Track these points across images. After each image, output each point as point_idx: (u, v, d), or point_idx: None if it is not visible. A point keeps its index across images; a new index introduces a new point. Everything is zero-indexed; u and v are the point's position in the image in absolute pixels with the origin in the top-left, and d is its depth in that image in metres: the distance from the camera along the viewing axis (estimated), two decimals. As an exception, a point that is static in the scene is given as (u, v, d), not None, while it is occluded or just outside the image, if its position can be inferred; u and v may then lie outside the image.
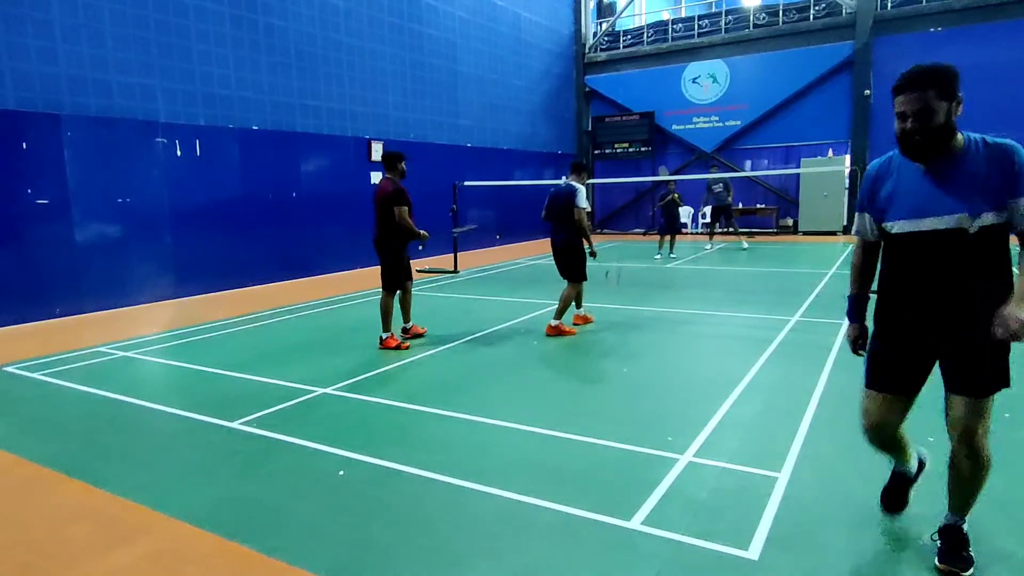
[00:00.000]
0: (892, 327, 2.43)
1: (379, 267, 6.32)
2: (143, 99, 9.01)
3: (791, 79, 17.07)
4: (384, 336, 6.18)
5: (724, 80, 18.03)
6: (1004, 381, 2.31)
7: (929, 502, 2.79)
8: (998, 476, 3.14)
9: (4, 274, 7.67)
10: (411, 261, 6.48)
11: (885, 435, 2.56)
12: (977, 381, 2.29)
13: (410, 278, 6.44)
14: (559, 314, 6.53)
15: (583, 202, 6.50)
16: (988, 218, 2.17)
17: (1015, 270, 2.27)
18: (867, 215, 2.48)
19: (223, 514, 3.02)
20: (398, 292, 6.37)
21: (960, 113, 2.23)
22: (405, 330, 6.52)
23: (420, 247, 6.13)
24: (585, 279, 6.69)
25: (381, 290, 6.31)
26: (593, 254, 6.77)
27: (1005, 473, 3.19)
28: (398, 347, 6.12)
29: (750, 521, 2.79)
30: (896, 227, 2.34)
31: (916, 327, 2.36)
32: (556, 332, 6.47)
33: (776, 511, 2.87)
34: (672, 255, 13.12)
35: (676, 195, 12.88)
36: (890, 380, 2.47)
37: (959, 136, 2.23)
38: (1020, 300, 2.12)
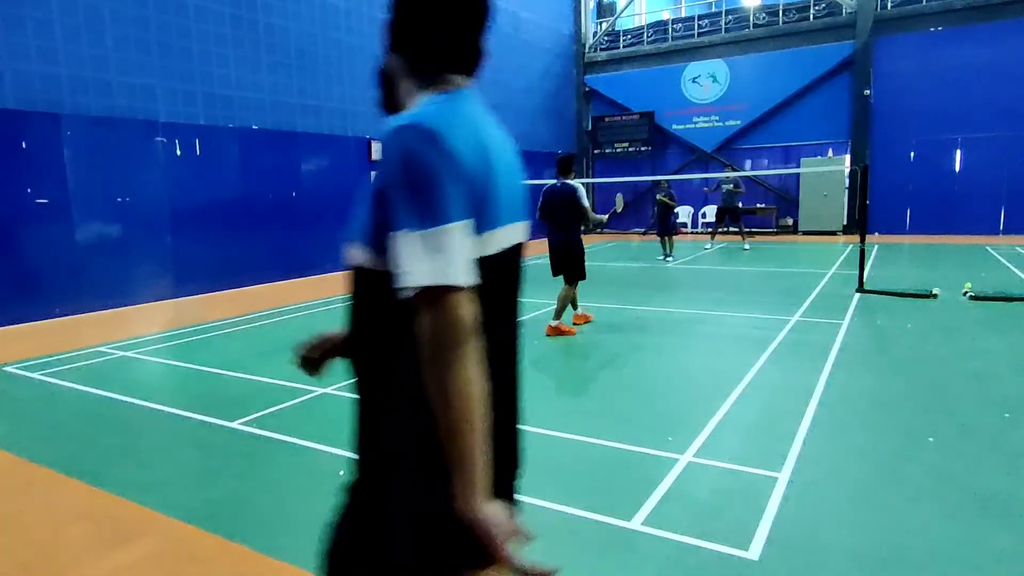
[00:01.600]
0: None
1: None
2: (143, 99, 9.01)
3: (791, 79, 17.06)
4: None
5: (724, 80, 18.03)
6: None
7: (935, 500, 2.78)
8: (1000, 476, 3.15)
9: (4, 274, 7.67)
10: None
11: None
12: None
13: None
14: (558, 314, 6.54)
15: (585, 201, 6.56)
16: (361, 255, 1.17)
17: None
18: None
19: (223, 514, 3.02)
20: None
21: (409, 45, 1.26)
22: None
23: None
24: (583, 278, 6.70)
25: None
26: (613, 214, 7.40)
27: (1006, 473, 3.19)
28: None
29: (750, 521, 2.79)
30: None
31: None
32: (556, 332, 6.48)
33: (776, 511, 2.87)
34: (670, 256, 13.09)
35: (662, 196, 12.83)
36: None
37: (416, 97, 1.27)
38: (460, 485, 1.06)
